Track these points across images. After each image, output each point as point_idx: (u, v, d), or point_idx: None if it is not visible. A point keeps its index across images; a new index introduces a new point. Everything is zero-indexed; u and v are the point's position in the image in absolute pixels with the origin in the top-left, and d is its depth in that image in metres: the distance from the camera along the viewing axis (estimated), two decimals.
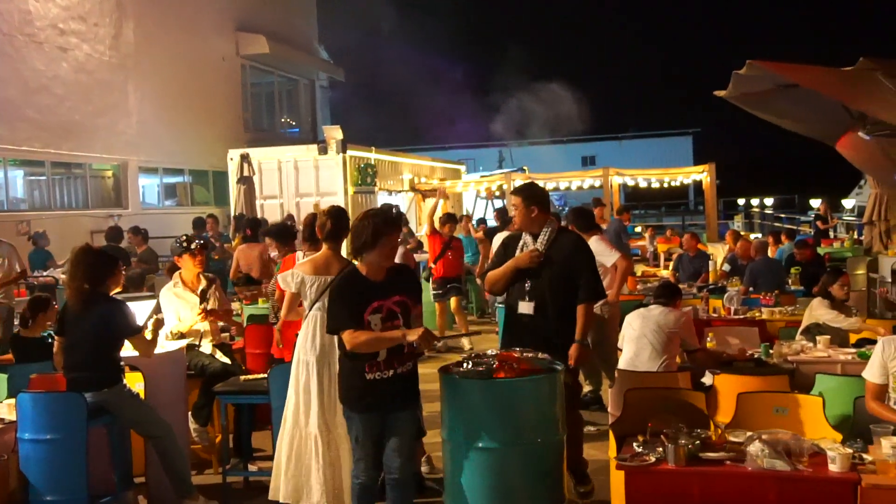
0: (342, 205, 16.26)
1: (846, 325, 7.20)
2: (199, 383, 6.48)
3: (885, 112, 8.93)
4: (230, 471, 6.09)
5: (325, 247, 5.50)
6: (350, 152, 16.77)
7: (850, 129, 11.04)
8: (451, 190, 19.17)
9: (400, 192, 19.27)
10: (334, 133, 16.77)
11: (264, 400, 5.81)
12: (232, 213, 16.87)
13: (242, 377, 6.25)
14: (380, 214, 4.65)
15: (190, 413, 6.41)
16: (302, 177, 16.96)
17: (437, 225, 11.18)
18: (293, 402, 5.26)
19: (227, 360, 6.64)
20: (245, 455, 6.34)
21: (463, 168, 25.26)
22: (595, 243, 7.81)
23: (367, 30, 32.20)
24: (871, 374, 4.88)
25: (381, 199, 17.51)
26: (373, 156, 17.80)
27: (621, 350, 6.74)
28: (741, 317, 8.49)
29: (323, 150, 16.74)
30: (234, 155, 17.05)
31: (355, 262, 4.64)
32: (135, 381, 5.74)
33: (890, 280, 10.07)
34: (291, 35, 24.51)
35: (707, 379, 6.29)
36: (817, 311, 7.40)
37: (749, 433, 4.34)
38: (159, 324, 5.96)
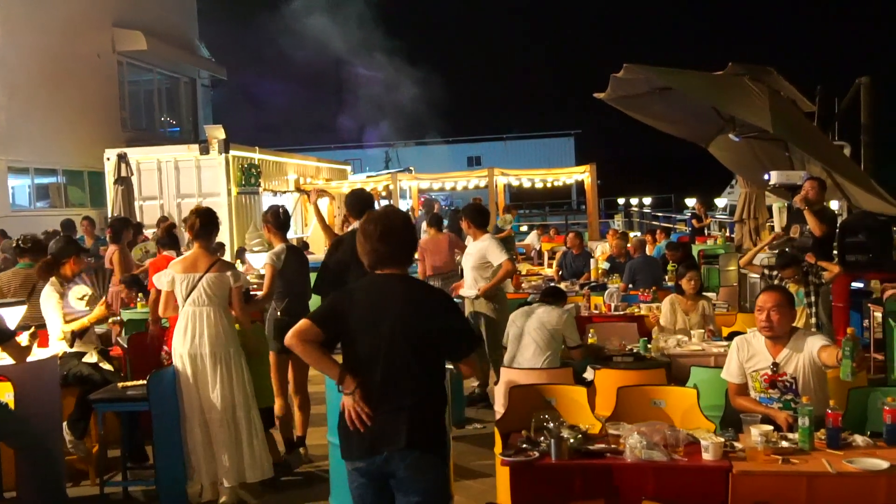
0: (225, 206, 15.91)
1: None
2: (78, 393, 6.24)
3: (752, 114, 9.32)
4: (108, 482, 5.89)
5: (196, 245, 5.85)
6: (233, 152, 16.43)
7: (720, 130, 11.48)
8: (337, 190, 19.01)
9: (285, 192, 19.01)
10: (216, 132, 16.39)
11: (143, 407, 5.65)
12: (109, 215, 16.29)
13: (120, 384, 6.06)
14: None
15: (66, 424, 6.16)
16: (183, 177, 16.53)
17: (337, 229, 10.89)
18: (182, 393, 5.68)
19: (109, 368, 6.44)
20: (141, 462, 6.21)
21: (349, 168, 25.13)
22: (487, 241, 7.96)
23: (250, 27, 31.64)
24: (730, 374, 5.09)
25: (266, 199, 17.23)
26: (257, 156, 17.50)
27: (506, 348, 6.84)
28: (621, 313, 8.74)
29: (205, 150, 16.34)
30: (110, 155, 16.45)
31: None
32: (5, 391, 5.47)
33: (758, 276, 10.51)
34: (171, 32, 23.84)
35: (588, 374, 6.45)
36: (665, 307, 7.72)
37: (628, 426, 4.48)
38: (34, 335, 5.74)
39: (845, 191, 9.90)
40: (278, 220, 6.69)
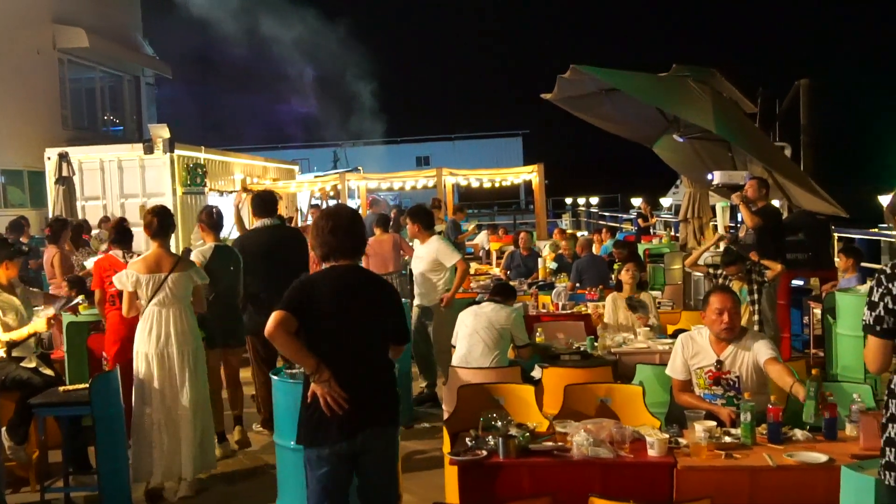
0: (170, 206, 15.68)
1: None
2: (17, 397, 6.09)
3: (695, 115, 9.45)
4: (49, 488, 5.76)
5: (155, 245, 5.86)
6: (178, 152, 16.17)
7: (665, 131, 11.63)
8: (285, 190, 18.85)
9: (231, 192, 18.79)
10: (161, 131, 16.12)
11: (86, 411, 5.54)
12: (50, 215, 15.94)
13: (62, 388, 5.93)
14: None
15: (4, 429, 6.02)
16: (127, 177, 16.22)
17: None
18: (138, 391, 5.75)
19: (50, 373, 6.31)
20: (84, 470, 6.08)
21: (297, 168, 24.93)
22: (437, 243, 7.94)
23: (195, 25, 31.21)
24: (674, 371, 5.17)
25: (212, 200, 17.01)
26: (202, 155, 17.26)
27: (455, 347, 6.85)
28: (568, 311, 8.82)
29: (149, 150, 16.06)
30: (51, 154, 16.09)
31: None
32: None
33: (702, 274, 10.68)
34: (114, 29, 23.39)
35: (536, 373, 6.50)
36: (608, 305, 7.82)
37: (575, 423, 4.52)
38: None
39: (786, 190, 10.10)
40: (211, 219, 7.01)
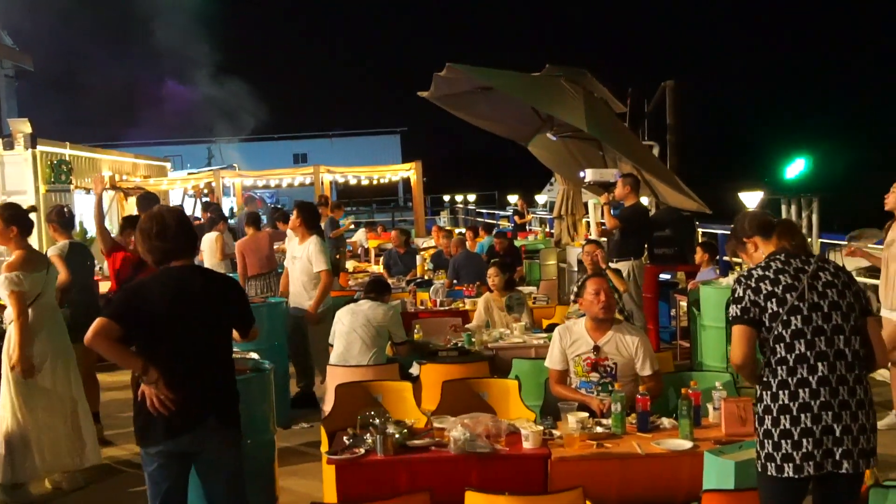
0: (34, 204, 14.98)
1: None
2: None
3: (568, 115, 9.67)
4: None
5: (19, 245, 5.70)
6: (41, 147, 15.44)
7: (539, 130, 11.86)
8: (156, 188, 18.28)
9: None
10: (21, 126, 15.35)
11: None
12: None
13: None
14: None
15: None
16: None
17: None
18: (17, 397, 5.64)
19: None
20: None
21: (169, 165, 24.21)
22: (313, 245, 7.77)
23: (59, 15, 29.88)
24: (552, 361, 5.30)
25: (78, 198, 16.34)
26: (67, 151, 16.54)
27: (332, 346, 6.80)
28: (446, 308, 8.89)
29: (9, 145, 15.27)
30: None
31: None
32: None
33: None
34: None
35: (414, 369, 6.53)
36: (479, 307, 7.93)
37: (452, 419, 4.56)
38: None
39: (653, 188, 10.46)
40: (62, 218, 6.98)
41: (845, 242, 7.65)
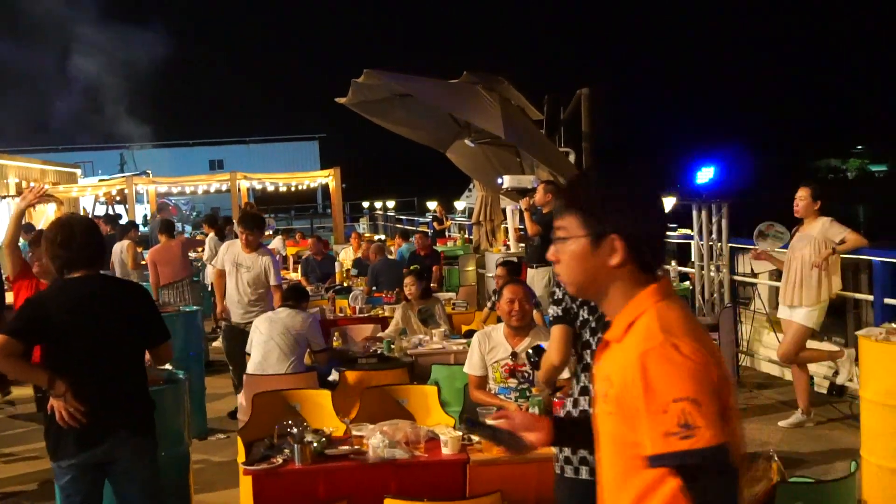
0: None
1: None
2: None
3: (485, 121, 9.77)
4: None
5: None
6: None
7: (457, 136, 11.94)
8: (66, 195, 17.76)
9: (6, 197, 17.50)
10: None
11: None
12: None
13: None
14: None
15: None
16: None
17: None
18: None
19: None
20: None
21: (79, 171, 23.57)
22: (269, 259, 7.55)
23: None
24: (472, 367, 5.32)
25: None
26: None
27: (250, 355, 6.71)
28: (366, 315, 8.86)
29: None
30: None
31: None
32: None
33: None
34: None
35: (334, 377, 6.49)
36: (397, 314, 7.92)
37: (371, 426, 4.54)
38: None
39: None
40: None
41: (754, 246, 7.89)
